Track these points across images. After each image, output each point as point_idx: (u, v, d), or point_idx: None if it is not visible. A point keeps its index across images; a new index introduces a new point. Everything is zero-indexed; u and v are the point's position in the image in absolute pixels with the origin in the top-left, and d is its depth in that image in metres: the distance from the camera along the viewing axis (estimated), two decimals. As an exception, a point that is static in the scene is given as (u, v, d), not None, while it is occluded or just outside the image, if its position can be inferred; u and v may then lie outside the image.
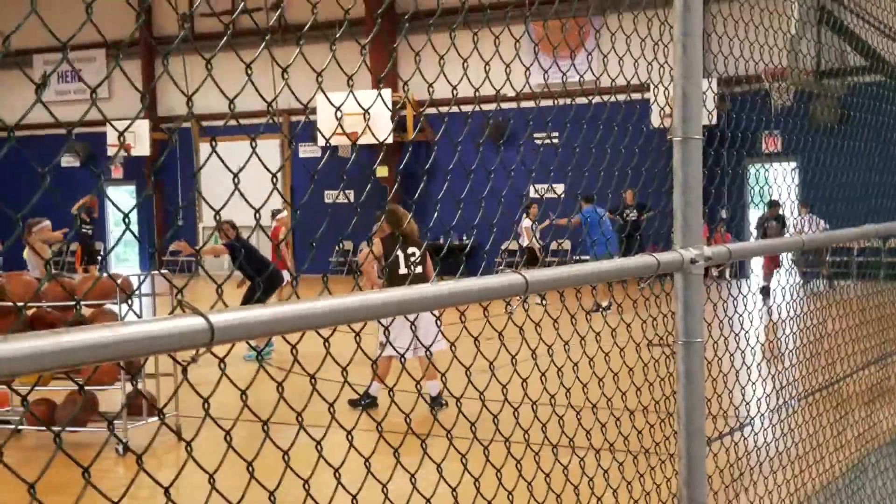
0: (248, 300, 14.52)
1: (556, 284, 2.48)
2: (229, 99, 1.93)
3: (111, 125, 1.79)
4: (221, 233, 14.56)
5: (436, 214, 2.71)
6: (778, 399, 5.17)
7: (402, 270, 10.44)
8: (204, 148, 29.58)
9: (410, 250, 10.64)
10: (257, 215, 1.95)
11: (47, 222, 14.83)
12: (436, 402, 10.26)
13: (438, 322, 2.61)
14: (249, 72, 1.91)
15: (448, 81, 2.54)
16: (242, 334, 1.70)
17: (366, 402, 10.29)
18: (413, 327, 2.67)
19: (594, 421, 3.24)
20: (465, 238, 25.65)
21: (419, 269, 10.61)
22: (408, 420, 2.41)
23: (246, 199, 2.04)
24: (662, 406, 3.57)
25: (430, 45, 2.42)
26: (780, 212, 18.46)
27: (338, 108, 2.23)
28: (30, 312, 9.83)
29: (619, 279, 2.83)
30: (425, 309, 2.13)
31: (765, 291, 19.52)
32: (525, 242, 19.71)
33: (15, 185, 24.93)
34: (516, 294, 2.35)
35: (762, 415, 5.09)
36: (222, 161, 2.06)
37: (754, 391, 4.76)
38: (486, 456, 2.62)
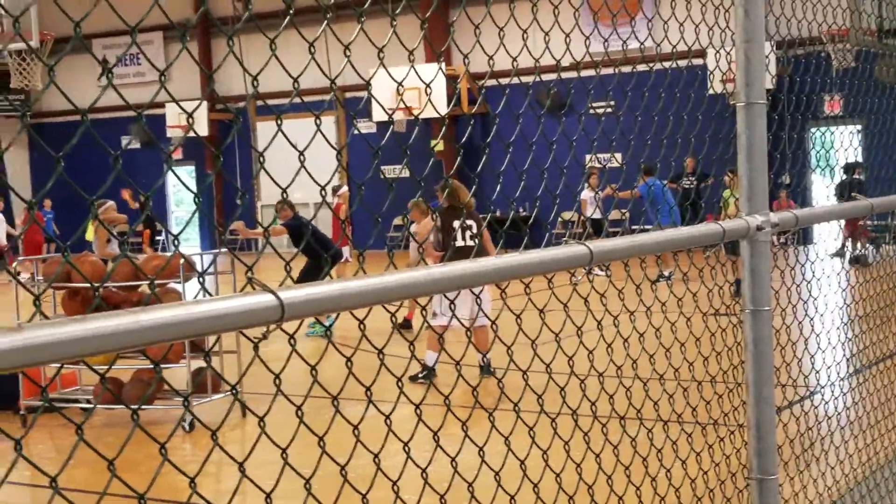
0: (306, 278, 14.49)
1: (620, 254, 2.46)
2: (293, 78, 1.93)
3: (181, 107, 1.80)
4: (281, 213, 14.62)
5: (498, 187, 2.68)
6: (848, 367, 5.10)
7: (460, 243, 10.47)
8: (261, 126, 29.77)
9: (468, 223, 10.65)
10: (323, 192, 1.96)
11: (111, 203, 15.05)
12: (485, 371, 10.15)
13: (478, 300, 2.53)
14: (313, 50, 1.91)
15: (508, 52, 2.52)
16: (312, 310, 1.70)
17: (423, 374, 10.28)
18: (452, 306, 2.65)
19: (661, 392, 3.22)
20: (521, 210, 25.57)
21: (474, 242, 10.57)
22: (475, 393, 2.40)
23: (312, 177, 2.05)
24: (730, 376, 3.53)
25: (490, 17, 2.40)
26: (858, 174, 17.92)
27: (400, 84, 2.23)
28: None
29: (684, 248, 2.80)
30: (489, 281, 2.12)
31: (840, 254, 19.22)
32: (589, 213, 19.53)
33: (76, 166, 25.27)
34: (581, 265, 2.33)
35: (832, 383, 5.01)
36: (288, 140, 2.06)
37: (824, 359, 4.69)
38: (553, 428, 2.61)
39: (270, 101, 25.53)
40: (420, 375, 10.27)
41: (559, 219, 26.81)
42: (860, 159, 5.19)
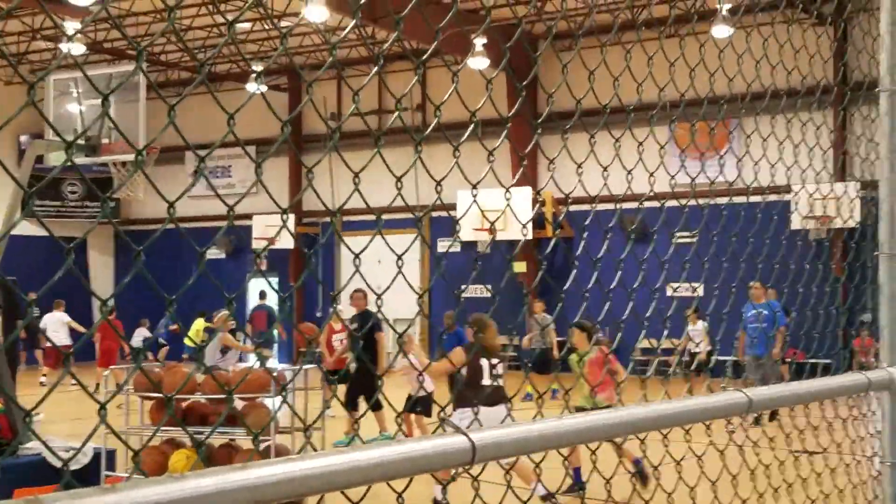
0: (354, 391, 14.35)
1: (777, 403, 2.46)
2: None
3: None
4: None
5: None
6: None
7: (486, 381, 10.07)
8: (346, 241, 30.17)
9: (493, 361, 10.27)
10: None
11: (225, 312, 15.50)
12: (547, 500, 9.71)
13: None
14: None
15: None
16: (502, 453, 1.73)
17: None
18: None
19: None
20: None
21: (500, 381, 10.17)
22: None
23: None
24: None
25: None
26: None
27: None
28: (185, 404, 10.08)
29: (833, 398, 2.79)
30: (656, 428, 2.13)
31: None
32: (699, 348, 19.27)
33: (161, 276, 25.79)
34: (740, 413, 2.33)
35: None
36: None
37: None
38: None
39: (357, 217, 25.94)
40: None
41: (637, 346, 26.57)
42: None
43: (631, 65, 2.55)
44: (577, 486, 9.76)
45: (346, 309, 17.83)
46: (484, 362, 10.21)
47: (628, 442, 9.56)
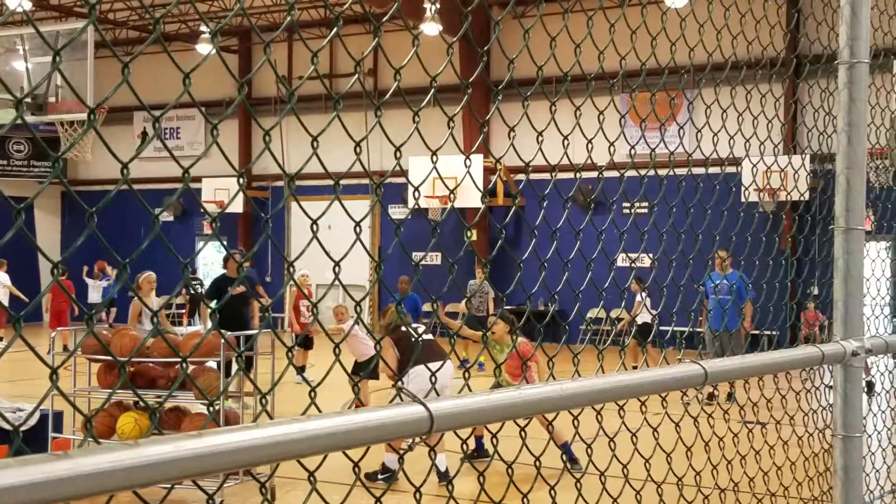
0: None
1: (732, 375, 2.46)
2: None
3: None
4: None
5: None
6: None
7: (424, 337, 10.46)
8: (296, 206, 30.00)
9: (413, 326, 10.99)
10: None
11: (149, 273, 15.21)
12: (443, 478, 9.51)
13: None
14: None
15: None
16: (460, 423, 1.71)
17: (384, 477, 9.85)
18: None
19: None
20: (549, 304, 25.51)
21: (428, 335, 10.84)
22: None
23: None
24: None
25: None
26: None
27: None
28: (132, 368, 9.99)
29: (786, 370, 2.81)
30: (614, 399, 2.13)
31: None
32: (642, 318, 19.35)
33: (108, 237, 25.48)
34: (695, 385, 2.33)
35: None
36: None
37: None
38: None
39: (307, 182, 25.73)
40: (380, 477, 9.88)
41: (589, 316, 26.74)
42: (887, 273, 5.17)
43: (578, 34, 2.52)
44: (570, 460, 9.63)
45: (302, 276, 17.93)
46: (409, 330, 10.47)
47: (559, 424, 9.55)
